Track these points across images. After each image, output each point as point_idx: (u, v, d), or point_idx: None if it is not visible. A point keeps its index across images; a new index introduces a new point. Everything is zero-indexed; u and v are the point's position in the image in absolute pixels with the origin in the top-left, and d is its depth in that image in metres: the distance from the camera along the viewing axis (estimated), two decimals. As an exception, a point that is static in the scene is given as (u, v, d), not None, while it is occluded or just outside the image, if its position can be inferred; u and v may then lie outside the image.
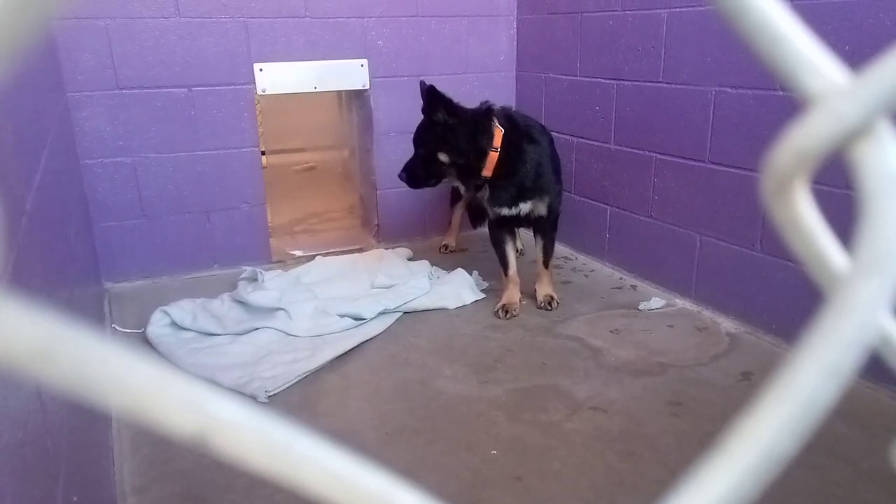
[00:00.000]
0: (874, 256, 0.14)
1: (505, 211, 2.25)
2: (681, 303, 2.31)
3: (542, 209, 2.26)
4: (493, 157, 2.14)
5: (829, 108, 0.15)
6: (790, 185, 0.18)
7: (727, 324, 2.13)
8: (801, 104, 0.17)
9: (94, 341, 0.14)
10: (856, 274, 0.15)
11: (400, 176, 2.31)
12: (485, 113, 2.19)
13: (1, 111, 1.00)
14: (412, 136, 2.30)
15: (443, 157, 2.18)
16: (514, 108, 2.45)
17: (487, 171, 2.16)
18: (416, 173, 2.28)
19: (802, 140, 0.16)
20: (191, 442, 0.15)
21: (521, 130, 2.22)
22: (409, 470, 1.46)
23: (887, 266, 0.14)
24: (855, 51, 1.68)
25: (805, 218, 0.18)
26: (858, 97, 0.15)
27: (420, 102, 2.24)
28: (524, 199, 2.23)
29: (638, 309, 2.28)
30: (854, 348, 0.15)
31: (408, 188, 2.35)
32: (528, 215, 2.27)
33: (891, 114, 0.15)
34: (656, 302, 2.30)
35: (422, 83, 2.26)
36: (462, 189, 2.34)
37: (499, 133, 2.15)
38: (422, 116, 2.25)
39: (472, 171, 2.18)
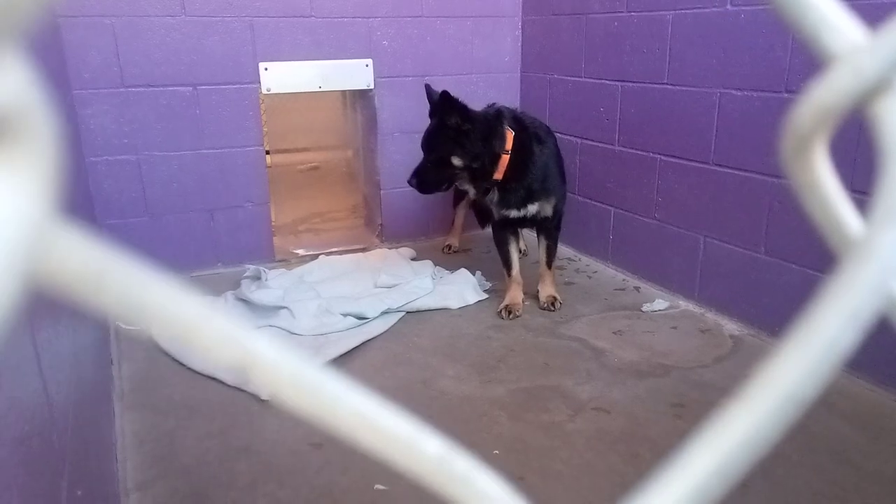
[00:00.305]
0: (893, 209, 0.14)
1: (513, 213, 2.24)
2: (684, 304, 2.30)
3: (547, 210, 2.26)
4: (505, 159, 2.13)
5: (849, 65, 0.16)
6: (810, 144, 0.18)
7: (731, 326, 2.13)
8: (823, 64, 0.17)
9: (143, 271, 0.14)
10: (876, 224, 0.15)
11: (410, 182, 2.25)
12: (496, 116, 2.17)
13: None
14: (416, 135, 2.29)
15: (456, 161, 2.14)
16: (518, 109, 2.45)
17: (498, 174, 2.15)
18: (427, 178, 2.23)
19: (824, 96, 0.16)
20: (234, 370, 0.15)
21: (529, 132, 2.21)
22: (412, 468, 1.46)
23: (907, 219, 0.14)
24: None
25: (823, 181, 0.18)
26: (877, 54, 0.15)
27: (425, 103, 2.23)
28: (532, 201, 2.22)
29: (641, 310, 2.28)
30: (875, 294, 0.15)
31: (410, 188, 2.34)
32: (533, 216, 2.27)
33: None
34: (660, 303, 2.30)
35: (428, 87, 2.24)
36: (472, 193, 2.31)
37: (510, 135, 2.14)
38: (426, 118, 2.24)
39: (484, 175, 2.16)
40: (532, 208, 2.23)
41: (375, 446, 0.16)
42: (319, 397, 0.15)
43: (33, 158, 0.11)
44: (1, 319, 0.11)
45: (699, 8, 2.11)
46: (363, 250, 2.86)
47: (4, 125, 0.10)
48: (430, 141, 2.20)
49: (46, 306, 1.03)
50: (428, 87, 2.24)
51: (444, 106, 2.11)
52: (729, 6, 2.01)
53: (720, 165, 2.12)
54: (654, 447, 1.53)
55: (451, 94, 2.10)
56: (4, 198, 0.11)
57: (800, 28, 0.16)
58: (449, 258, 2.82)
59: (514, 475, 1.43)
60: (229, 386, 1.79)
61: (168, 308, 0.14)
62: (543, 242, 2.34)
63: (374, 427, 0.16)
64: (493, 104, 2.27)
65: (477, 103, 2.26)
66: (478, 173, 2.15)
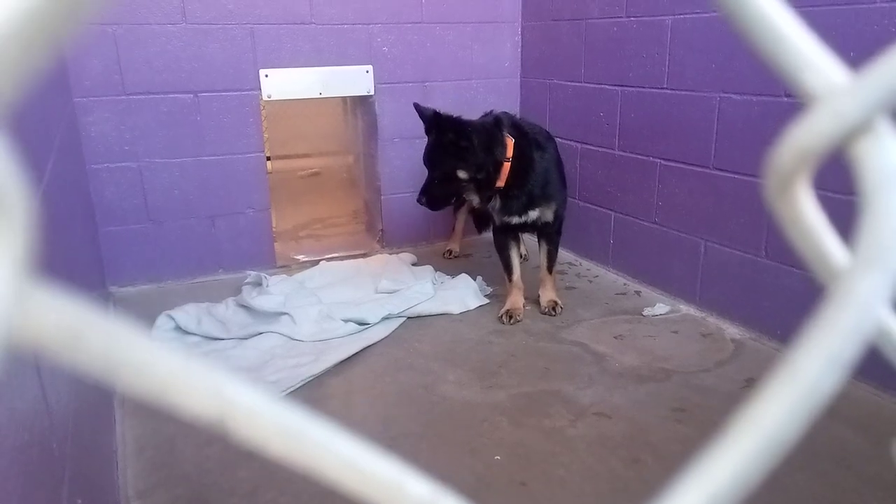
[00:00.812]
0: (875, 250, 0.15)
1: (515, 219, 2.24)
2: (685, 309, 2.30)
3: (548, 215, 2.26)
4: (507, 167, 2.13)
5: (829, 106, 0.16)
6: (792, 182, 0.18)
7: (732, 330, 2.13)
8: (802, 104, 0.17)
9: (120, 329, 0.14)
10: (857, 267, 0.15)
11: (419, 201, 2.22)
12: (495, 123, 2.17)
13: (8, 116, 1.00)
14: (416, 141, 2.30)
15: (462, 175, 2.13)
16: (517, 115, 2.45)
17: (500, 182, 2.14)
18: (436, 195, 2.21)
19: (804, 137, 0.16)
20: (212, 426, 0.15)
21: (529, 138, 2.21)
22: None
23: (887, 260, 0.14)
24: (859, 58, 1.68)
25: (807, 215, 0.19)
26: (859, 95, 0.15)
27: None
28: (533, 207, 2.22)
29: (642, 315, 2.28)
30: (855, 338, 0.15)
31: (410, 193, 2.34)
32: (534, 222, 2.27)
33: (890, 112, 0.15)
34: (660, 308, 2.30)
35: (416, 107, 2.22)
36: (476, 202, 2.30)
37: (510, 142, 2.14)
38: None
39: (488, 184, 2.15)
40: (533, 214, 2.23)
41: (361, 491, 0.16)
42: (303, 444, 0.15)
43: (9, 229, 0.11)
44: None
45: (698, 12, 2.12)
46: (364, 256, 2.86)
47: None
48: (433, 157, 2.19)
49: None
50: (417, 106, 2.22)
51: (438, 126, 2.10)
52: (729, 24, 2.01)
53: (720, 169, 2.12)
54: (655, 452, 1.53)
55: (442, 114, 2.10)
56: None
57: (780, 68, 0.17)
58: (450, 263, 2.82)
59: (516, 481, 1.43)
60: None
61: (147, 364, 0.14)
62: (544, 247, 2.34)
63: (359, 471, 0.16)
64: (491, 111, 2.28)
65: (477, 109, 2.27)
66: (482, 183, 2.15)
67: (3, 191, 0.11)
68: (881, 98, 0.15)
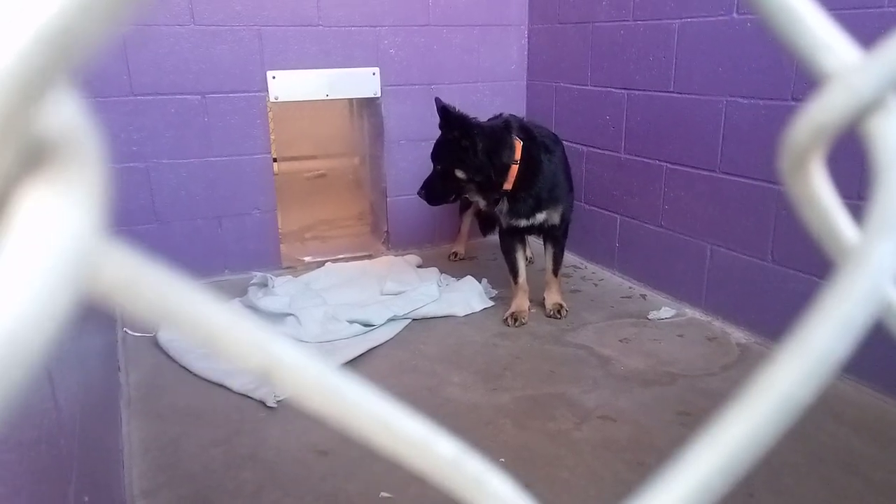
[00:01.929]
0: (887, 221, 0.15)
1: (522, 222, 2.24)
2: (691, 312, 2.30)
3: (555, 219, 2.26)
4: (514, 169, 2.13)
5: (843, 84, 0.16)
6: (807, 160, 0.18)
7: (737, 334, 2.13)
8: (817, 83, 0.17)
9: (175, 279, 0.14)
10: (869, 236, 0.15)
11: (419, 193, 2.30)
12: (504, 126, 2.17)
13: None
14: (422, 143, 2.31)
15: (460, 175, 2.16)
16: (525, 118, 2.45)
17: (508, 185, 2.15)
18: (435, 190, 2.26)
19: (819, 115, 0.17)
20: (257, 375, 0.16)
21: (537, 141, 2.22)
22: (416, 477, 1.46)
23: (898, 231, 0.15)
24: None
25: (820, 193, 0.19)
26: (871, 73, 0.16)
27: (431, 112, 2.24)
28: (540, 210, 2.22)
29: (647, 318, 2.28)
30: (867, 304, 0.15)
31: (416, 195, 2.35)
32: (541, 225, 2.27)
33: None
34: (666, 311, 2.30)
35: (437, 101, 2.23)
36: (482, 204, 2.31)
37: (518, 145, 2.14)
38: (432, 126, 2.24)
39: (492, 186, 2.15)
40: (540, 217, 2.24)
41: (392, 448, 0.16)
42: (339, 401, 0.16)
43: (85, 178, 0.12)
44: (60, 326, 0.12)
45: (705, 16, 2.12)
46: (369, 257, 2.87)
47: (61, 150, 0.11)
48: (437, 153, 2.24)
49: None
50: (437, 101, 2.24)
51: (447, 121, 2.12)
52: (735, 14, 2.01)
53: (727, 173, 2.12)
54: (660, 456, 1.52)
55: (451, 109, 2.11)
56: (63, 215, 0.11)
57: (795, 48, 0.17)
58: (455, 265, 2.82)
59: (520, 483, 1.43)
60: (235, 393, 1.80)
61: (196, 314, 0.15)
62: (550, 250, 2.34)
63: (390, 429, 0.16)
64: (500, 114, 2.28)
65: (483, 111, 2.27)
66: (484, 185, 2.15)
67: (81, 145, 0.12)
68: (893, 75, 0.15)
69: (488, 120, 2.25)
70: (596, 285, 2.61)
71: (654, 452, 1.54)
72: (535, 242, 2.67)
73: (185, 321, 0.14)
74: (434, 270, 2.64)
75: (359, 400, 0.16)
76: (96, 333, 1.60)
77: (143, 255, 0.15)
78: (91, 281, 0.13)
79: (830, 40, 0.17)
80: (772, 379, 0.15)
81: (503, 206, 2.22)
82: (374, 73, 2.78)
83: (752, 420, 0.15)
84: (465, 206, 2.87)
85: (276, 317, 2.19)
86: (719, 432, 0.15)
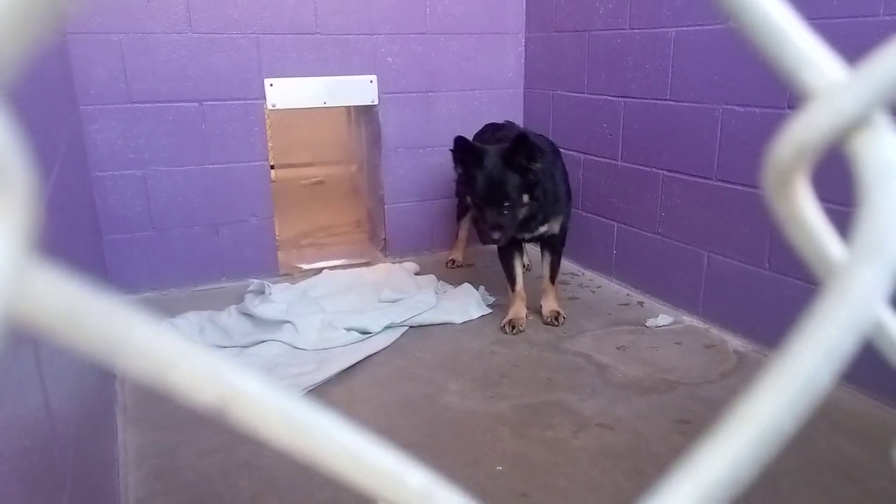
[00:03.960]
0: (872, 244, 0.15)
1: (526, 236, 2.24)
2: (688, 320, 2.30)
3: (554, 228, 2.26)
4: None
5: (827, 102, 0.16)
6: (791, 178, 0.18)
7: (735, 341, 2.12)
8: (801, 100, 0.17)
9: (121, 310, 0.14)
10: (854, 260, 0.15)
11: (496, 240, 2.08)
12: (535, 137, 2.13)
13: (13, 123, 1.01)
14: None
15: (526, 199, 2.07)
16: (523, 127, 2.46)
17: None
18: (510, 227, 2.07)
19: (802, 133, 0.16)
20: (211, 411, 0.15)
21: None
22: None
23: (885, 254, 0.14)
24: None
25: (805, 211, 0.19)
26: (856, 90, 0.15)
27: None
28: (544, 223, 2.22)
29: (645, 325, 2.27)
30: (851, 331, 0.15)
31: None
32: (541, 234, 2.26)
33: (888, 106, 0.15)
34: (664, 319, 2.29)
35: (462, 140, 2.04)
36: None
37: None
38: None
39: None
40: (542, 229, 2.23)
41: (361, 481, 0.16)
42: (305, 433, 0.15)
43: (11, 204, 0.12)
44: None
45: (701, 24, 2.13)
46: (367, 265, 2.86)
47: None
48: (499, 189, 2.02)
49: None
50: (459, 140, 2.04)
51: (522, 150, 1.99)
52: (731, 23, 2.02)
53: (723, 181, 2.12)
54: (658, 464, 1.52)
55: (528, 138, 2.01)
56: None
57: (778, 64, 0.17)
58: (452, 273, 2.82)
59: (518, 492, 1.43)
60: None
61: (143, 344, 0.14)
62: (547, 258, 2.34)
63: (359, 462, 0.16)
64: (492, 123, 2.27)
65: (480, 119, 2.27)
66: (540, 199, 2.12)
67: (5, 166, 0.12)
68: (879, 93, 0.15)
69: (489, 126, 2.24)
70: (593, 293, 2.61)
71: (652, 460, 1.53)
72: (532, 250, 2.67)
73: (131, 352, 0.14)
74: (432, 278, 2.64)
75: (325, 431, 0.16)
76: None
77: (85, 283, 0.14)
78: (24, 311, 0.13)
79: (815, 57, 0.17)
80: (752, 409, 0.15)
81: None
82: (371, 81, 2.78)
83: (731, 452, 0.15)
84: (463, 212, 2.87)
85: (274, 324, 2.18)
86: (697, 466, 0.15)
